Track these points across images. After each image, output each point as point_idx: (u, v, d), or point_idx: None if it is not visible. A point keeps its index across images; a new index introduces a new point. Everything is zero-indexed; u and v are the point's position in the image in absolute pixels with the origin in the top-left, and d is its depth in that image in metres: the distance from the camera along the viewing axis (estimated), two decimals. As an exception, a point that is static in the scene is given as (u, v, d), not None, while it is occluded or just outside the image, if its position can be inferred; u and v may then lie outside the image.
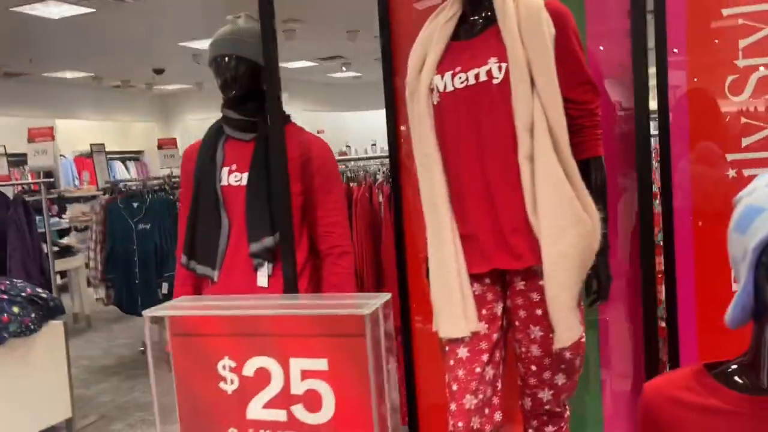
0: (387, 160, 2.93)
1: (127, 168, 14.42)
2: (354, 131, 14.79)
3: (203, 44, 10.01)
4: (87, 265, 6.57)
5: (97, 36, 8.83)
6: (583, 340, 1.81)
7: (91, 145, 8.03)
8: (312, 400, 1.39)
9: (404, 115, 2.24)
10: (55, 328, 3.73)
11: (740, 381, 1.04)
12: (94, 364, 5.93)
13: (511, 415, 2.01)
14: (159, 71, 12.57)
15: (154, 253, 5.49)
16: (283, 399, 1.41)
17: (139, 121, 15.96)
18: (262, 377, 1.42)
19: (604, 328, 2.20)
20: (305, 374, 1.39)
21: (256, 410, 1.43)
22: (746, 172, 1.86)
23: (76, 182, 12.18)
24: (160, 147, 6.60)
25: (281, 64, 2.16)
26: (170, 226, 5.56)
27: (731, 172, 1.88)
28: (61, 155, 9.85)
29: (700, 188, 1.96)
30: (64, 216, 8.43)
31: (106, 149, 11.83)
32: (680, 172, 1.96)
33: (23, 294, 3.60)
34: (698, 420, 1.05)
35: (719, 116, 1.93)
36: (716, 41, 1.91)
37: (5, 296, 3.50)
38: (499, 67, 1.71)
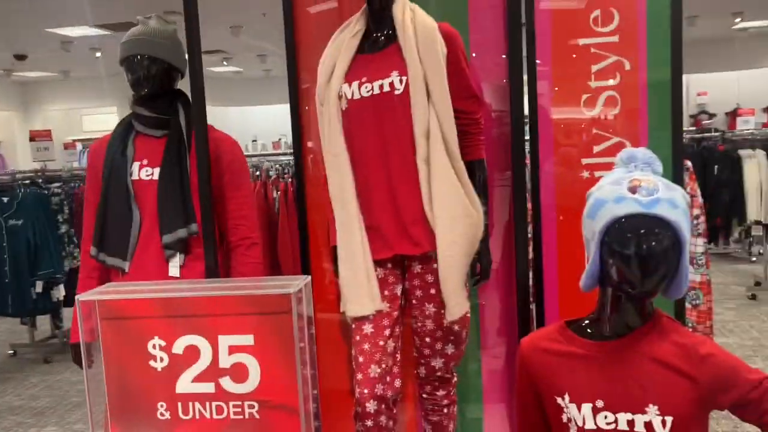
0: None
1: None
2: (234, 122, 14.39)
3: (73, 31, 9.50)
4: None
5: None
6: (468, 314, 1.93)
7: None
8: (239, 373, 1.50)
9: (304, 112, 2.35)
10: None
11: (590, 331, 1.24)
12: (-46, 369, 5.54)
13: (407, 382, 2.06)
14: (21, 57, 11.72)
15: (26, 250, 5.18)
16: (212, 373, 1.51)
17: (-2, 109, 14.76)
18: (191, 354, 1.50)
19: (482, 308, 2.28)
20: (232, 349, 1.50)
21: (185, 385, 1.51)
22: (597, 174, 1.99)
23: None
24: (32, 139, 6.21)
25: None
26: (44, 222, 5.28)
27: (585, 174, 2.05)
28: None
29: (561, 187, 2.10)
30: None
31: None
32: (546, 174, 2.09)
33: None
34: (561, 363, 1.24)
35: (576, 127, 2.09)
36: (574, 65, 2.05)
37: None
38: (401, 80, 1.80)
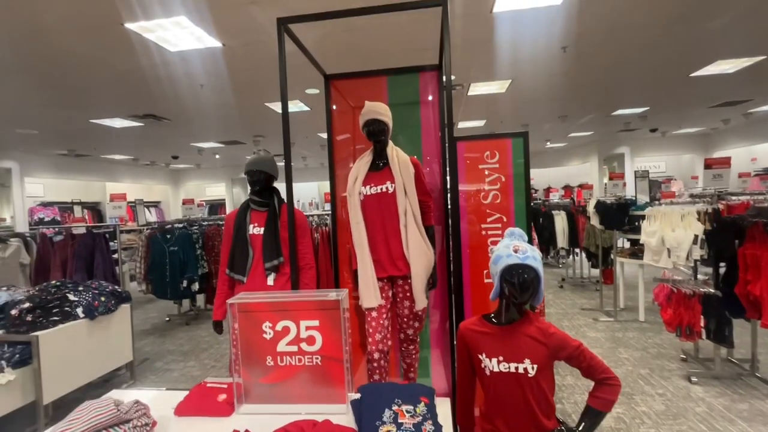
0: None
1: (150, 212, 12.95)
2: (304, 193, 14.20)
3: (203, 144, 9.46)
4: (131, 277, 5.96)
5: (141, 138, 8.06)
6: (426, 307, 1.93)
7: (135, 199, 7.20)
8: (310, 340, 1.50)
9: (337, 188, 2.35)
10: (125, 308, 3.41)
11: (495, 320, 1.26)
12: (137, 329, 5.28)
13: (394, 342, 2.05)
14: (175, 157, 11.58)
15: (179, 263, 5.08)
16: (296, 340, 1.51)
17: (158, 185, 14.43)
18: (285, 331, 1.52)
19: (432, 304, 2.27)
20: (308, 328, 1.51)
21: (281, 346, 1.51)
22: (488, 231, 2.02)
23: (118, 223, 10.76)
24: (184, 203, 6.13)
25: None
26: (188, 248, 5.22)
27: (483, 232, 2.03)
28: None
29: (469, 238, 2.04)
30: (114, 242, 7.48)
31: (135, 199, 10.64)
32: (463, 232, 2.04)
33: (107, 289, 3.27)
34: (481, 336, 1.25)
35: (477, 208, 2.05)
36: (476, 178, 2.05)
37: (97, 291, 3.16)
38: (392, 185, 1.87)
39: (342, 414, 1.39)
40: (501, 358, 1.18)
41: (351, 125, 2.50)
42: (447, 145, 1.88)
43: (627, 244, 5.64)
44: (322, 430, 1.29)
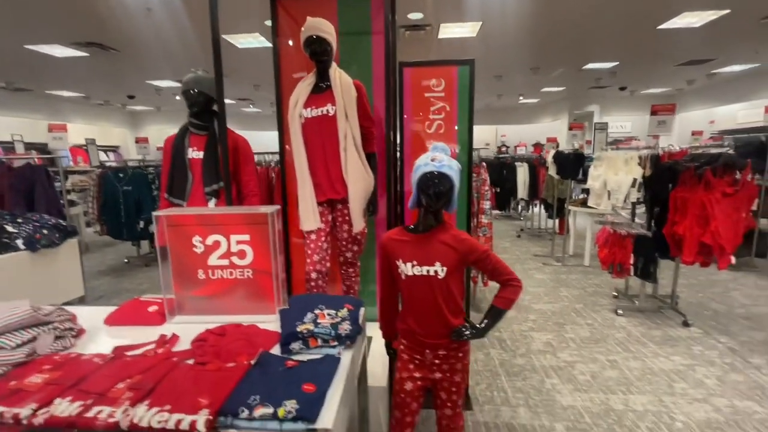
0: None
1: (108, 156, 12.22)
2: (255, 140, 13.69)
3: (161, 83, 8.82)
4: (85, 213, 5.73)
5: (88, 70, 7.39)
6: (365, 230, 1.96)
7: (86, 139, 6.76)
8: (241, 254, 1.51)
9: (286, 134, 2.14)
10: (72, 243, 3.30)
11: (413, 229, 1.28)
12: (94, 270, 5.18)
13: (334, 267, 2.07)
14: (131, 97, 10.80)
15: (134, 204, 4.92)
16: (227, 254, 1.52)
17: (116, 127, 13.52)
18: (216, 245, 1.51)
19: (376, 227, 2.23)
20: (238, 242, 1.51)
21: (212, 260, 1.51)
22: None
23: (71, 164, 10.12)
24: (137, 142, 5.82)
25: None
26: (145, 189, 5.03)
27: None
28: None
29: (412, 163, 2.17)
30: (66, 183, 7.10)
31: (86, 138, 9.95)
32: (406, 156, 2.07)
33: (50, 223, 3.14)
34: (400, 244, 1.28)
35: (421, 136, 2.06)
36: (422, 106, 2.03)
37: (38, 223, 3.03)
38: (332, 108, 1.80)
39: (271, 323, 1.44)
40: (415, 263, 1.23)
41: (302, 54, 2.36)
42: (390, 68, 1.82)
43: (582, 196, 5.89)
44: (246, 332, 1.34)
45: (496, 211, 8.44)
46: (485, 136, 14.56)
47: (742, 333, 3.04)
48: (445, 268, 1.21)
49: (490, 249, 1.25)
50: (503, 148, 11.94)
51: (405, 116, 2.06)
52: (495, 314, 1.25)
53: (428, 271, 1.22)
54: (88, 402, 0.97)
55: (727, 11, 4.95)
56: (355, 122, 1.83)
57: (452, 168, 1.20)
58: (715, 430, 1.99)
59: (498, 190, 7.22)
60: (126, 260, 5.67)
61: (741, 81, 9.96)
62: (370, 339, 2.21)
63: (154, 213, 1.49)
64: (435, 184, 1.18)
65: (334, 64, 1.89)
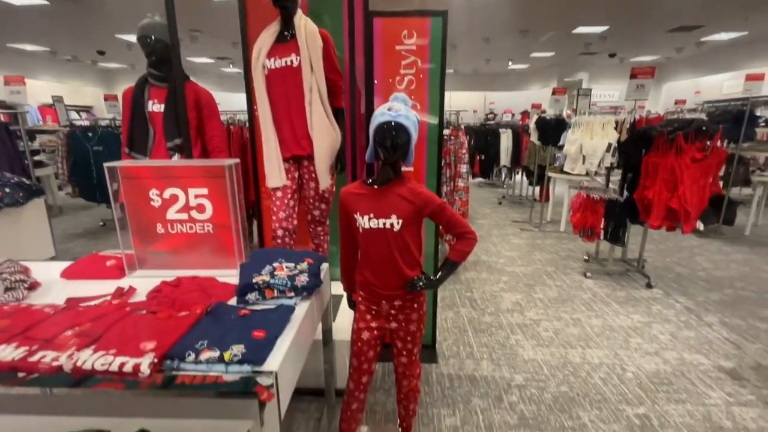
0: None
1: (80, 116, 11.67)
2: (235, 103, 13.19)
3: (131, 37, 8.30)
4: (56, 175, 5.52)
5: (50, 22, 6.89)
6: (333, 188, 1.91)
7: (52, 96, 6.41)
8: (200, 208, 1.49)
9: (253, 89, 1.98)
10: (38, 203, 3.21)
11: (371, 182, 1.26)
12: (68, 233, 5.08)
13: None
14: (101, 53, 10.18)
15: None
16: (186, 208, 1.49)
17: (89, 86, 12.83)
18: (174, 198, 1.48)
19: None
20: (197, 196, 1.48)
21: (171, 214, 1.49)
22: None
23: (40, 123, 9.65)
24: (106, 99, 5.55)
25: (189, 58, 2.00)
26: (117, 149, 4.85)
27: None
28: (27, 105, 7.75)
29: None
30: (33, 143, 6.79)
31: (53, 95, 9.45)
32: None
33: (12, 181, 3.02)
34: (357, 198, 1.26)
35: (390, 93, 1.80)
36: (392, 60, 1.96)
37: (-2, 181, 2.94)
38: (297, 58, 1.72)
39: (232, 277, 1.44)
40: (372, 215, 1.23)
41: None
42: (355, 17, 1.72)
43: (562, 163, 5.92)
44: (202, 283, 1.34)
45: (480, 179, 8.47)
46: (473, 103, 14.34)
47: (700, 294, 3.20)
48: (400, 221, 1.21)
49: (446, 202, 1.24)
50: (490, 116, 11.80)
51: (375, 71, 1.98)
52: (449, 266, 1.27)
53: (384, 224, 1.22)
54: (34, 347, 0.97)
55: (718, -27, 4.82)
56: (320, 74, 1.75)
57: (409, 118, 1.18)
58: (662, 379, 2.12)
59: (482, 157, 7.21)
60: (102, 223, 5.57)
61: (729, 50, 9.91)
62: (339, 298, 2.25)
63: (107, 164, 1.44)
64: (392, 136, 1.16)
65: (300, 12, 1.79)
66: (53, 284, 1.45)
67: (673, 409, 1.89)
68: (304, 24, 1.76)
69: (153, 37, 1.95)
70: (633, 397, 1.98)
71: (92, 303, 1.23)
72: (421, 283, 1.25)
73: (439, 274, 1.27)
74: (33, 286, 1.39)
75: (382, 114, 1.17)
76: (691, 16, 6.96)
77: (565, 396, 1.98)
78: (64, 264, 1.57)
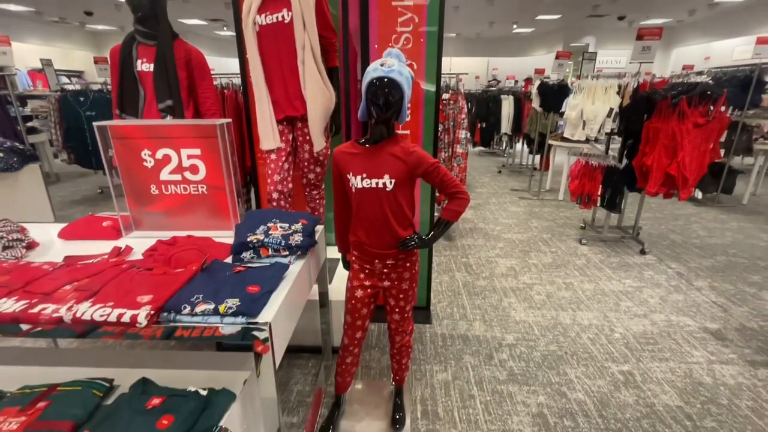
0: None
1: (71, 81, 11.37)
2: (231, 68, 12.79)
3: (121, -2, 7.97)
4: (51, 143, 5.46)
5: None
6: (327, 151, 1.88)
7: (41, 59, 6.21)
8: (193, 169, 1.48)
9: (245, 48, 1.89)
10: (33, 168, 3.17)
11: (364, 141, 1.24)
12: (66, 200, 5.10)
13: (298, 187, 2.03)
14: (89, 13, 9.77)
15: (100, 131, 4.75)
16: (179, 169, 1.48)
17: (78, 50, 12.41)
18: (167, 159, 1.47)
19: None
20: (189, 156, 1.47)
21: (164, 175, 1.49)
22: None
23: (31, 88, 9.41)
24: (96, 62, 5.39)
25: (181, 20, 1.90)
26: (107, 112, 4.78)
27: None
28: (15, 68, 7.51)
29: None
30: (25, 108, 6.66)
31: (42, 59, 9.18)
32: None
33: (5, 145, 2.98)
34: (350, 158, 1.25)
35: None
36: (389, 17, 1.88)
37: (-10, 145, 2.90)
38: (288, 14, 1.66)
39: (227, 237, 1.45)
40: (364, 175, 1.22)
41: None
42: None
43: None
44: (197, 242, 1.35)
45: (480, 148, 8.37)
46: (476, 68, 13.92)
47: (692, 260, 3.25)
48: (393, 180, 1.21)
49: (439, 162, 1.24)
50: (493, 82, 11.49)
51: (370, 28, 1.91)
52: (442, 225, 1.27)
53: (377, 184, 1.22)
54: (34, 301, 0.99)
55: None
56: (313, 31, 1.69)
57: (402, 74, 1.14)
58: (648, 339, 2.20)
59: (484, 125, 7.08)
60: (100, 190, 5.57)
61: (743, 13, 9.50)
62: (336, 261, 2.29)
63: (96, 123, 1.42)
64: (384, 93, 1.13)
65: (291, -36, 1.70)
66: (51, 244, 1.47)
67: (656, 366, 1.97)
68: (295, -23, 1.68)
69: (138, -9, 1.86)
70: (619, 355, 2.05)
71: (90, 261, 1.26)
72: (413, 243, 1.27)
73: (432, 233, 1.28)
74: (31, 246, 1.41)
75: (374, 69, 1.14)
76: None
77: (554, 354, 2.06)
78: (62, 225, 1.59)
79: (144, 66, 1.93)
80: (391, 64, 1.14)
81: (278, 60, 1.73)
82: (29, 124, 5.98)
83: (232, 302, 0.98)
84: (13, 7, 8.97)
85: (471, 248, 3.47)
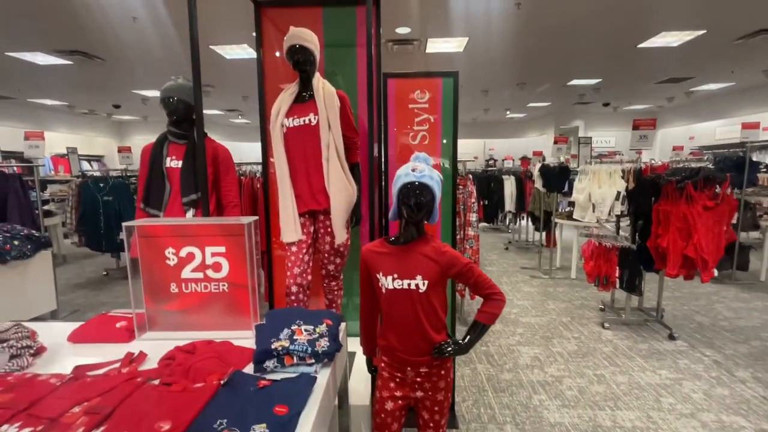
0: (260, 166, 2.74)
1: (91, 166, 11.99)
2: (243, 151, 13.57)
3: (148, 92, 8.73)
4: (63, 224, 5.57)
5: (71, 79, 7.27)
6: (348, 242, 1.90)
7: (67, 147, 6.61)
8: (216, 267, 1.46)
9: (269, 145, 2.02)
10: (45, 255, 3.18)
11: (394, 240, 1.24)
12: (71, 283, 5.02)
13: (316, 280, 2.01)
14: (117, 106, 10.65)
15: (114, 213, 4.80)
16: (201, 266, 1.46)
17: (101, 137, 13.31)
18: (190, 257, 1.46)
19: (362, 238, 2.15)
20: (213, 254, 1.45)
21: (186, 273, 1.45)
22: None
23: (52, 173, 9.91)
24: (119, 151, 5.71)
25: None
26: (126, 199, 4.92)
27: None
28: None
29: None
30: (44, 192, 6.91)
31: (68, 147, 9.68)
32: (391, 167, 2.00)
33: (22, 233, 3.02)
34: (380, 257, 1.24)
35: (405, 147, 2.01)
36: (406, 118, 2.00)
37: (8, 234, 2.91)
38: (315, 117, 1.78)
39: (247, 339, 1.38)
40: (396, 276, 1.19)
41: (288, 65, 2.34)
42: (374, 79, 1.80)
43: (568, 209, 5.94)
44: (217, 348, 1.27)
45: (484, 224, 8.47)
46: (473, 149, 14.74)
47: (726, 346, 3.06)
48: (426, 282, 1.17)
49: (472, 262, 1.21)
50: (491, 161, 12.07)
51: (389, 128, 2.04)
52: (478, 329, 1.21)
53: (409, 285, 1.18)
54: (39, 428, 0.89)
55: (703, 32, 5.13)
56: (338, 132, 1.80)
57: (433, 178, 1.18)
58: (703, 446, 1.96)
59: (486, 202, 7.26)
60: (105, 272, 5.51)
61: (718, 99, 10.32)
62: (353, 355, 2.15)
63: (125, 223, 1.43)
64: (416, 195, 1.15)
65: (317, 74, 1.88)
66: (60, 348, 1.38)
67: (720, 482, 1.72)
68: (322, 86, 1.84)
69: (175, 98, 2.03)
70: (674, 467, 1.81)
71: (101, 371, 1.17)
72: (450, 348, 1.19)
73: (468, 338, 1.21)
74: (38, 352, 1.32)
75: (406, 175, 1.17)
76: (679, 70, 7.33)
77: (600, 467, 1.82)
78: (70, 324, 1.52)
79: (173, 162, 2.03)
80: (422, 169, 1.18)
81: (304, 157, 1.82)
82: (45, 207, 6.16)
83: (260, 429, 0.88)
84: (49, 102, 9.81)
85: (490, 334, 3.30)
